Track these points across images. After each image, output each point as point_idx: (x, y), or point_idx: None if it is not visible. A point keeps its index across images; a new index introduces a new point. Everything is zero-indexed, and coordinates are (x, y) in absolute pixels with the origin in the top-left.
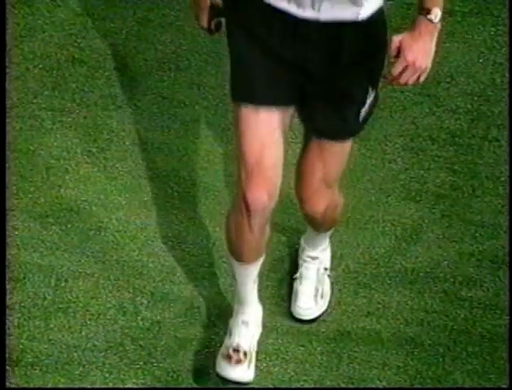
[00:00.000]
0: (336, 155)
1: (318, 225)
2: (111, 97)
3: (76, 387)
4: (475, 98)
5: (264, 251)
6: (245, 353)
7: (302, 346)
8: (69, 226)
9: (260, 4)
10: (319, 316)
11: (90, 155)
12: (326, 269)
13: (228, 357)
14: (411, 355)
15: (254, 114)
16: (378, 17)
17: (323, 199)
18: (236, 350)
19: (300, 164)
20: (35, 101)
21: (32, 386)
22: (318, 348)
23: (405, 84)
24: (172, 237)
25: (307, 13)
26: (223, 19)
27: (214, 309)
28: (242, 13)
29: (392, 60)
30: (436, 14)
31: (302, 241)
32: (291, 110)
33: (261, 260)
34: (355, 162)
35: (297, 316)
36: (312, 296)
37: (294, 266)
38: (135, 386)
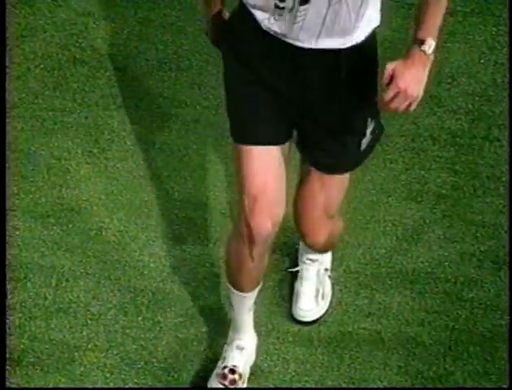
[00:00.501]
0: (337, 186)
1: (317, 250)
2: (112, 97)
3: (77, 387)
4: (476, 98)
5: (261, 280)
6: (240, 375)
7: (303, 346)
8: (70, 226)
9: (256, 34)
10: (320, 317)
11: (91, 155)
12: (326, 270)
13: (223, 377)
14: (412, 355)
15: (253, 151)
16: (371, 42)
17: (325, 230)
18: (232, 370)
19: (299, 197)
20: (36, 101)
21: (33, 386)
22: (319, 349)
23: (396, 110)
24: (173, 237)
25: (304, 44)
26: None
27: (216, 309)
28: (238, 46)
29: (385, 87)
30: (430, 45)
31: (302, 243)
32: (288, 145)
33: (257, 289)
34: None
35: (298, 318)
36: (313, 298)
37: (295, 266)
38: (136, 386)
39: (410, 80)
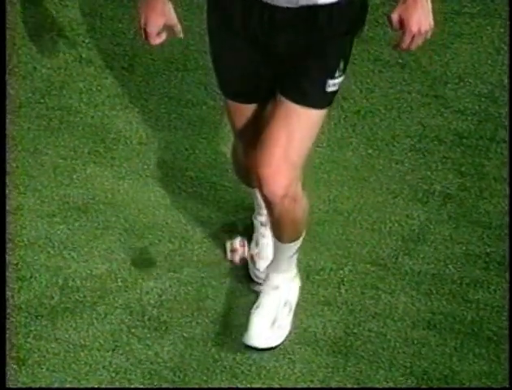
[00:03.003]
0: (301, 125)
1: (278, 223)
2: (119, 96)
3: (80, 387)
4: (483, 99)
5: None
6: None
7: (309, 346)
8: (76, 225)
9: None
10: (276, 346)
11: (97, 155)
12: (286, 303)
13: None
14: (418, 356)
15: (238, 105)
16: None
17: (283, 178)
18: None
19: (262, 138)
20: (42, 100)
21: (38, 385)
22: (325, 349)
23: (416, 47)
24: (179, 237)
25: (284, 4)
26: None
27: (222, 309)
28: (221, 10)
29: (400, 34)
30: None
31: (266, 268)
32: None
33: None
34: (362, 163)
35: (248, 343)
36: (268, 326)
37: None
38: (141, 386)
39: (419, 19)
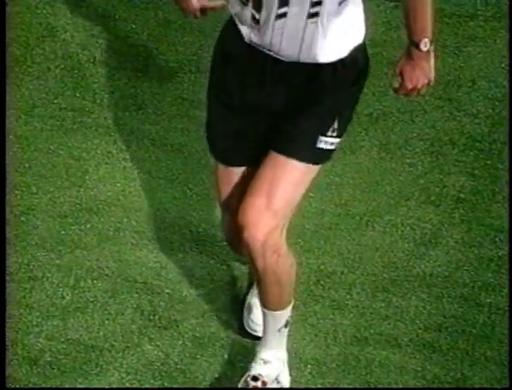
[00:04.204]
0: (286, 176)
1: (262, 281)
2: (132, 98)
3: (82, 387)
4: (496, 103)
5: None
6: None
7: (319, 348)
8: (88, 226)
9: (241, 48)
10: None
11: (110, 156)
12: (277, 381)
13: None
14: (429, 359)
15: (228, 171)
16: (356, 55)
17: (264, 225)
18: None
19: (248, 186)
20: (56, 101)
21: (49, 386)
22: (336, 351)
23: (416, 95)
24: (191, 239)
25: (287, 58)
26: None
27: (232, 311)
28: (223, 65)
29: (398, 77)
30: (425, 44)
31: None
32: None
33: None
34: (375, 166)
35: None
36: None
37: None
38: (151, 387)
39: (417, 78)
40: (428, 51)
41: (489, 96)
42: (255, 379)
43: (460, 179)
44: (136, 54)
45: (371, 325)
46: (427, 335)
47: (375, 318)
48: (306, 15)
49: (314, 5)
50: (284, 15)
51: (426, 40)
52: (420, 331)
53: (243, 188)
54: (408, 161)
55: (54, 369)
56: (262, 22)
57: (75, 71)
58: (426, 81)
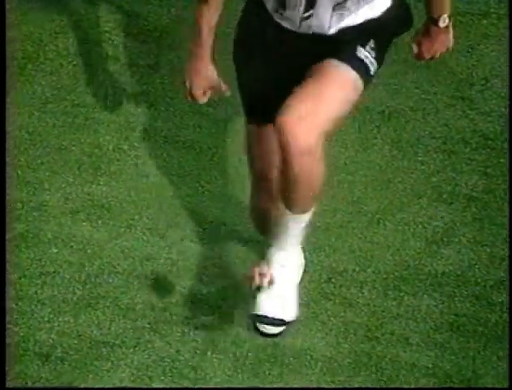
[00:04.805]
0: (332, 82)
1: (292, 186)
2: (144, 94)
3: (83, 387)
4: (509, 101)
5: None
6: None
7: (331, 346)
8: (100, 222)
9: (263, 19)
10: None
11: (122, 152)
12: (294, 281)
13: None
14: (441, 358)
15: (262, 132)
16: (388, 15)
17: (306, 133)
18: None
19: (292, 95)
20: (68, 97)
21: (60, 381)
22: (347, 348)
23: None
24: (203, 236)
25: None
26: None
27: (243, 309)
28: (249, 27)
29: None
30: (444, 20)
31: (271, 247)
32: None
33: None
34: (387, 164)
35: (256, 324)
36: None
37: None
38: (162, 384)
39: (435, 50)
40: (447, 26)
41: (502, 94)
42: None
43: (472, 178)
44: (149, 50)
45: (382, 323)
46: (439, 334)
47: (386, 316)
48: (331, 9)
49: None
50: (310, 16)
51: (445, 15)
52: (431, 329)
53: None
54: (420, 159)
55: (65, 364)
56: (288, 14)
57: (88, 68)
58: (444, 49)
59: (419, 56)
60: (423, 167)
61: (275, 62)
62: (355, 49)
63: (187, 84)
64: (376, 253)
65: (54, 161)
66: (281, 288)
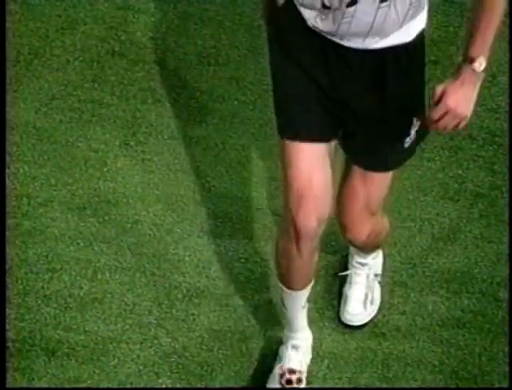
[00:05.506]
0: (378, 184)
1: (360, 248)
2: (150, 90)
3: (83, 387)
4: (510, 99)
5: (313, 277)
6: (300, 378)
7: (337, 342)
8: (106, 218)
9: (302, 32)
10: (368, 323)
11: (128, 148)
12: (376, 275)
13: (288, 382)
14: (447, 354)
15: (299, 147)
16: (418, 42)
17: (366, 227)
18: (292, 371)
19: (341, 191)
20: (75, 93)
21: (67, 377)
22: (353, 345)
23: (444, 129)
24: (209, 232)
25: (351, 44)
26: None
27: (250, 304)
28: (285, 41)
29: (434, 105)
30: (481, 63)
31: (351, 247)
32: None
33: (310, 286)
34: None
35: (346, 321)
36: (361, 302)
37: (344, 271)
38: (169, 380)
39: (459, 99)
40: (479, 76)
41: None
42: (292, 372)
43: (479, 175)
44: (155, 46)
45: (389, 320)
46: (445, 331)
47: (392, 312)
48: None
49: None
50: (355, 1)
51: (483, 60)
52: (438, 326)
53: (314, 168)
54: (426, 155)
55: (71, 360)
56: (333, 8)
57: (95, 64)
58: (465, 112)
59: (435, 111)
60: (429, 164)
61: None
62: (403, 144)
63: None
64: (382, 249)
65: (61, 157)
66: (365, 286)
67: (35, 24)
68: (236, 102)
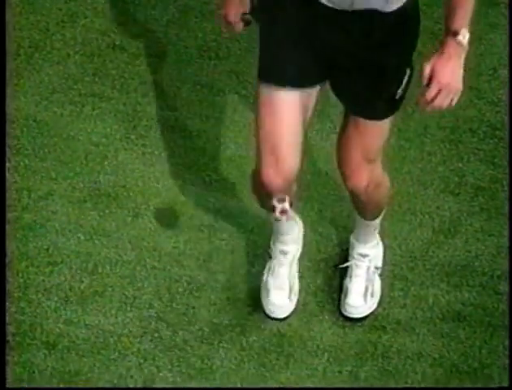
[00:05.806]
0: (374, 133)
1: (363, 206)
2: (151, 84)
3: (85, 387)
4: (510, 92)
5: (293, 196)
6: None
7: (338, 336)
8: (107, 212)
9: None
10: (368, 315)
11: (129, 142)
12: (377, 268)
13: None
14: (447, 347)
15: (278, 96)
16: (410, 7)
17: (365, 174)
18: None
19: (339, 140)
20: (75, 86)
21: (67, 370)
22: (353, 338)
23: (440, 107)
24: (209, 225)
25: (337, 5)
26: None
27: (250, 297)
28: (272, 7)
29: (425, 86)
30: (464, 35)
31: (352, 238)
32: (315, 93)
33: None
34: (394, 154)
35: (346, 314)
36: (362, 295)
37: (345, 263)
38: (169, 374)
39: (450, 74)
40: (465, 48)
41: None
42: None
43: (479, 168)
44: (156, 39)
45: (389, 313)
46: (445, 324)
47: (393, 306)
48: None
49: None
50: None
51: (465, 31)
52: (438, 319)
53: (288, 125)
54: (427, 149)
55: (71, 354)
56: None
57: (95, 57)
58: (457, 85)
59: (425, 93)
60: (430, 157)
61: (302, 37)
62: (395, 94)
63: (222, 12)
64: (383, 242)
65: (62, 150)
66: (366, 279)
67: (35, 17)
68: (236, 96)
